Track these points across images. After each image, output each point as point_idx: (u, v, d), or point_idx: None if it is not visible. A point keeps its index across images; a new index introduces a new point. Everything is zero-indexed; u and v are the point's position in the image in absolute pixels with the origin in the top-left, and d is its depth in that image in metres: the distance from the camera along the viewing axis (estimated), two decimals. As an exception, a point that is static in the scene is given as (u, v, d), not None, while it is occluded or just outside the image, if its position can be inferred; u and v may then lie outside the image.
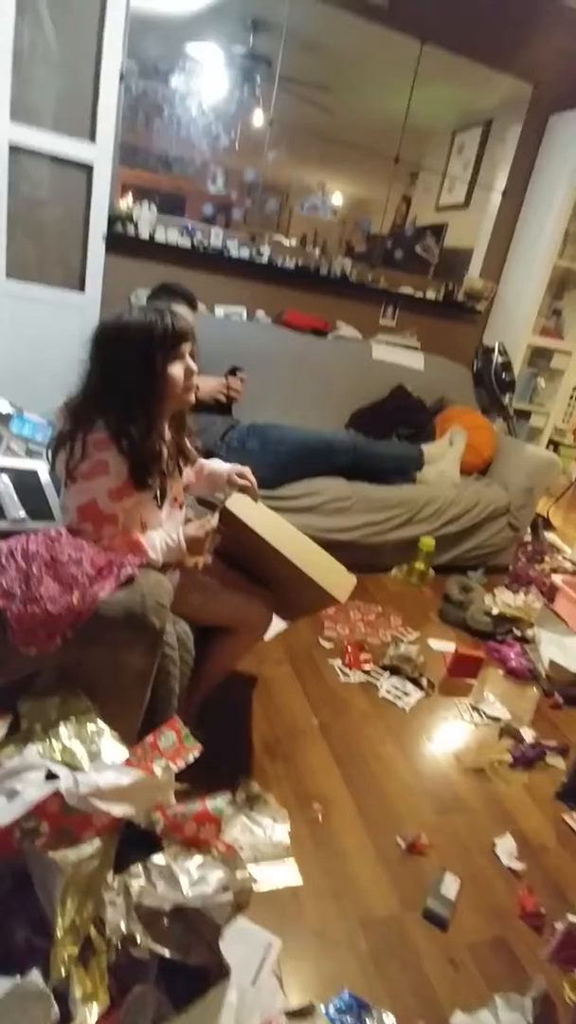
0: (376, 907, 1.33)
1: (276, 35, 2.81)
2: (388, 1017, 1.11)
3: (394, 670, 2.14)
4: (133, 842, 0.99)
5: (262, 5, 2.77)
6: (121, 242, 2.80)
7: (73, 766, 1.02)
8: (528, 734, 1.96)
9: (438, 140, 3.40)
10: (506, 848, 1.54)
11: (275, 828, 1.44)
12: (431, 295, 3.45)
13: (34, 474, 1.92)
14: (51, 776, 0.96)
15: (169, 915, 0.91)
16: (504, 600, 2.67)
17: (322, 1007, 1.09)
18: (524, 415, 3.72)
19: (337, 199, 3.28)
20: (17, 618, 1.13)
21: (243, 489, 1.52)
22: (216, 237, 2.96)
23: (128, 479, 1.25)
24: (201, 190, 3.03)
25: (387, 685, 2.08)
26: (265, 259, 3.06)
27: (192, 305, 2.20)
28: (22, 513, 1.85)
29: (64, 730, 1.10)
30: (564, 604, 2.60)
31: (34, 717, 1.12)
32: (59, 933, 0.85)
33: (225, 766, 1.54)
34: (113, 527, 1.28)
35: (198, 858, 0.99)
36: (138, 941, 0.89)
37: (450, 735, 1.93)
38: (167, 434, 1.38)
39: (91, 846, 0.93)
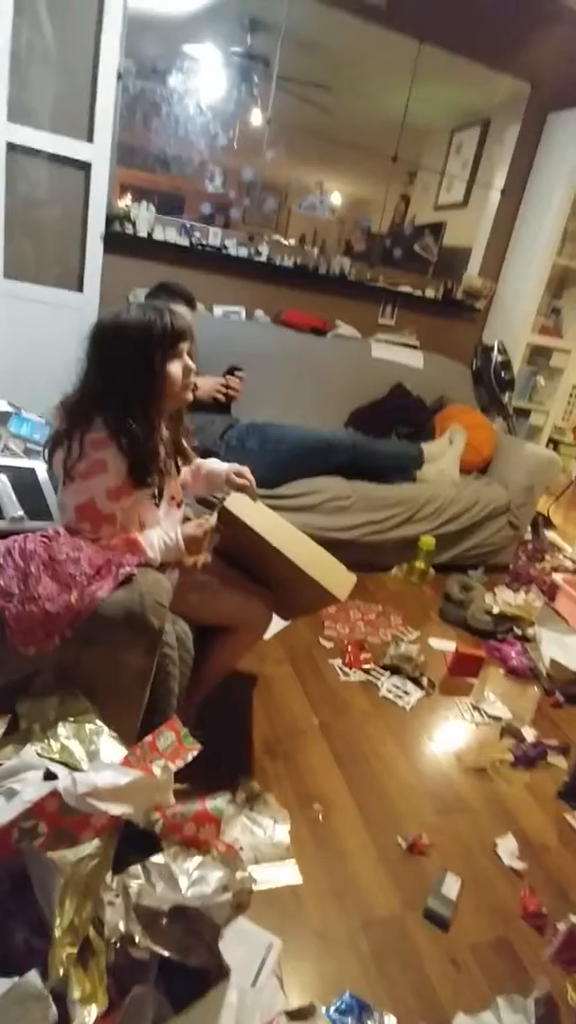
0: (377, 907, 1.33)
1: (274, 35, 2.80)
2: (389, 1019, 1.10)
3: (394, 669, 2.13)
4: (132, 842, 0.98)
5: (259, 5, 2.76)
6: (119, 241, 2.80)
7: (72, 766, 1.02)
8: (529, 733, 1.96)
9: (437, 139, 3.39)
10: (507, 848, 1.53)
11: (275, 828, 1.43)
12: (430, 294, 3.45)
13: (32, 473, 1.92)
14: (49, 776, 0.95)
15: (168, 915, 0.91)
16: (505, 599, 2.66)
17: (323, 1008, 1.09)
18: (524, 413, 3.71)
19: (336, 198, 3.28)
20: (15, 618, 1.12)
21: (241, 488, 1.51)
22: (214, 236, 2.96)
23: (127, 478, 1.25)
24: (199, 189, 3.02)
25: (388, 684, 2.07)
26: (264, 258, 3.06)
27: (191, 304, 2.20)
28: (20, 512, 1.85)
29: (63, 730, 1.09)
30: (565, 603, 2.60)
31: (33, 717, 1.12)
32: (58, 933, 0.85)
33: (225, 766, 1.54)
34: (111, 526, 1.27)
35: (197, 858, 0.99)
36: (137, 941, 0.89)
37: (451, 734, 1.92)
38: (164, 433, 1.38)
39: (90, 846, 0.92)
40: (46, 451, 1.30)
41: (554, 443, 3.91)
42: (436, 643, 2.38)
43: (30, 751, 1.02)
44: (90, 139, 2.63)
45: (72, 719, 1.12)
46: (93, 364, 1.25)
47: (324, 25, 2.84)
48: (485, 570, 2.90)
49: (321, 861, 1.40)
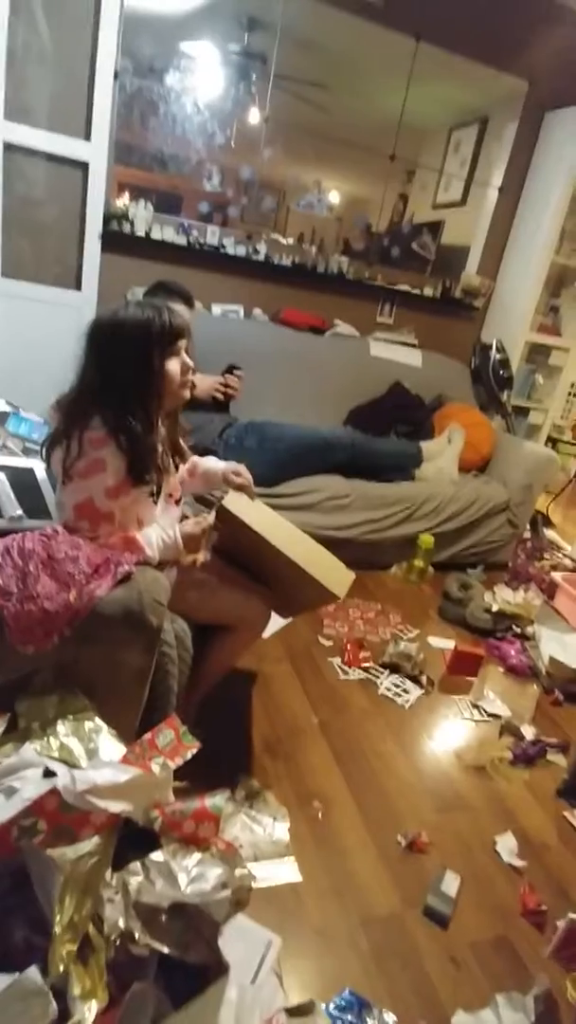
0: (377, 905, 1.33)
1: (271, 33, 2.80)
2: (389, 1016, 1.10)
3: (394, 668, 2.13)
4: (132, 840, 0.98)
5: (257, 3, 2.76)
6: (117, 240, 2.80)
7: (71, 764, 1.02)
8: (528, 731, 1.96)
9: (435, 138, 3.40)
10: (507, 846, 1.53)
11: (275, 826, 1.43)
12: (428, 292, 3.45)
13: (31, 472, 1.92)
14: (49, 774, 0.95)
15: (168, 912, 0.91)
16: (504, 597, 2.66)
17: (323, 1005, 1.09)
18: (522, 412, 3.72)
19: (334, 197, 3.28)
20: (14, 616, 1.12)
21: (239, 487, 1.51)
22: (212, 235, 2.96)
23: (126, 476, 1.25)
24: (197, 188, 3.02)
25: (387, 683, 2.07)
26: (262, 257, 3.06)
27: (189, 303, 2.20)
28: (19, 511, 1.85)
29: (62, 728, 1.09)
30: (564, 601, 2.60)
31: (32, 716, 1.12)
32: (58, 930, 0.85)
33: (225, 764, 1.54)
34: (110, 525, 1.27)
35: (197, 855, 0.99)
36: (137, 938, 0.89)
37: (450, 733, 1.92)
38: (162, 431, 1.38)
39: (89, 844, 0.92)
40: (44, 450, 1.30)
41: (553, 441, 3.92)
42: (435, 641, 2.38)
43: (29, 749, 1.02)
44: (87, 138, 2.63)
45: (71, 717, 1.12)
46: (91, 362, 1.25)
47: (322, 23, 2.84)
48: (484, 568, 2.90)
49: (320, 859, 1.40)
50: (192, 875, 0.95)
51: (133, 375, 1.24)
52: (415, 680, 2.11)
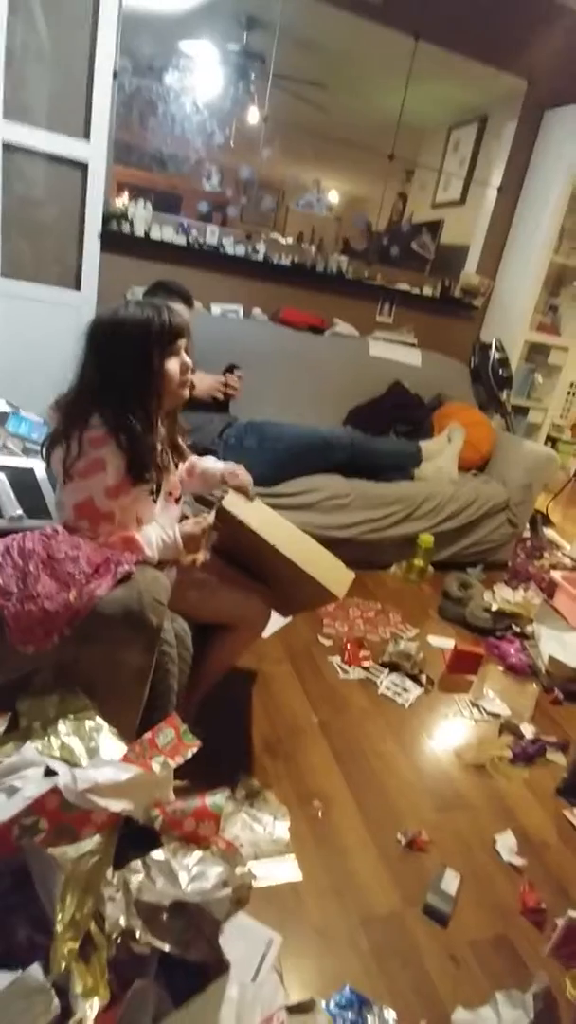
0: (377, 903, 1.33)
1: (270, 32, 2.80)
2: (389, 1013, 1.11)
3: (393, 667, 2.14)
4: (132, 838, 0.99)
5: (256, 2, 2.76)
6: (116, 240, 2.80)
7: (72, 763, 1.02)
8: (528, 730, 1.96)
9: (434, 137, 3.40)
10: (507, 844, 1.54)
11: (275, 825, 1.44)
12: (428, 292, 3.45)
13: (31, 472, 1.92)
14: (50, 773, 0.96)
15: (168, 910, 0.91)
16: (503, 596, 2.67)
17: (323, 1003, 1.09)
18: (522, 411, 3.72)
19: (333, 196, 3.28)
20: (14, 616, 1.12)
21: (238, 487, 1.52)
22: (212, 235, 2.96)
23: (126, 475, 1.25)
24: (196, 188, 3.02)
25: (387, 682, 2.08)
26: (261, 256, 3.06)
27: (188, 303, 2.20)
28: (19, 511, 1.85)
29: (62, 727, 1.09)
30: (563, 600, 2.61)
31: (33, 715, 1.12)
32: (59, 929, 0.85)
33: (225, 763, 1.54)
34: (110, 525, 1.28)
35: (197, 854, 0.99)
36: (138, 936, 0.89)
37: (450, 731, 1.93)
38: (161, 430, 1.38)
39: (90, 842, 0.93)
40: (44, 450, 1.30)
41: (552, 440, 3.92)
42: (435, 640, 2.39)
43: (30, 748, 1.03)
44: (87, 137, 2.63)
45: (72, 716, 1.12)
46: (91, 361, 1.25)
47: (320, 22, 2.84)
48: (484, 568, 2.91)
49: (321, 858, 1.40)
50: (193, 873, 0.96)
51: (133, 374, 1.25)
52: (415, 679, 2.11)
